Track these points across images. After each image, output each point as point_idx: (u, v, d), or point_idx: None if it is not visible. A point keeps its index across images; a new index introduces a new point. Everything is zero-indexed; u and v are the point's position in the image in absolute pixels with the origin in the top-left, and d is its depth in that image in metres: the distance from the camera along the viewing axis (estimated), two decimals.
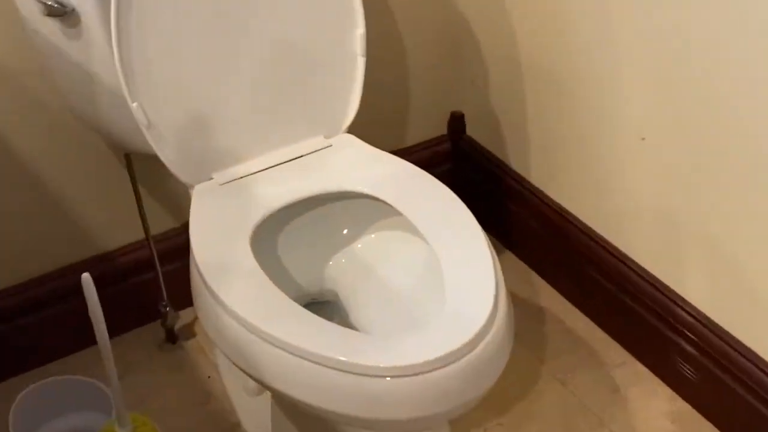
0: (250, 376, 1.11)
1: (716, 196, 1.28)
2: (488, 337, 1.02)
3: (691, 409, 1.41)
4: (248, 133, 1.29)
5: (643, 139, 1.36)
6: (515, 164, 1.67)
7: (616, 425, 1.40)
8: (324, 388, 1.03)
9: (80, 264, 1.50)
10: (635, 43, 1.31)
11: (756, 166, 1.21)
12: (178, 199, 1.53)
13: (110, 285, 1.52)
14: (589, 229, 1.53)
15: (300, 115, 1.32)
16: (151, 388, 1.49)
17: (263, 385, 1.11)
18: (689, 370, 1.40)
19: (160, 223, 1.54)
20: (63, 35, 1.22)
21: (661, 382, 1.46)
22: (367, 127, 1.45)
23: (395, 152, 1.67)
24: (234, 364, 1.13)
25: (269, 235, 1.29)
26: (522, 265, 1.70)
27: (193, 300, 1.19)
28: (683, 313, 1.39)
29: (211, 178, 1.27)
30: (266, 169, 1.28)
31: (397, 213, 1.21)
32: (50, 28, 1.22)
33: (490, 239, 1.15)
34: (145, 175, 1.47)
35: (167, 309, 1.53)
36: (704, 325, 1.36)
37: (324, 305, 1.33)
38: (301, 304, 1.12)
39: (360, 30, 1.29)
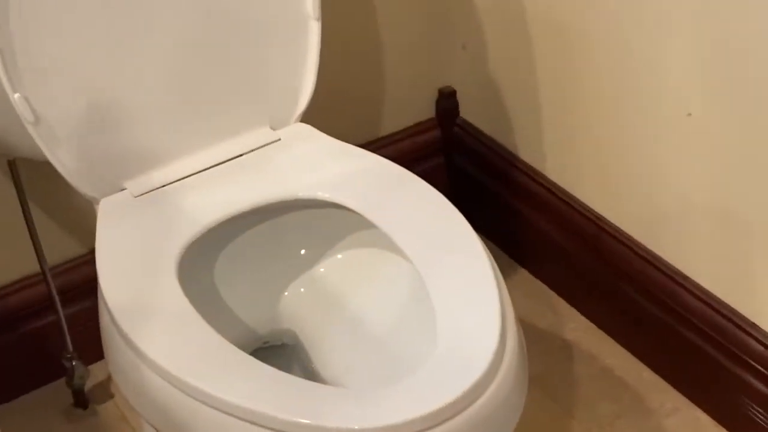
0: None
1: None
2: (493, 386, 1.02)
3: None
4: (169, 128, 1.29)
5: (690, 114, 1.37)
6: (525, 154, 1.68)
7: None
8: None
9: None
10: None
11: None
12: (82, 218, 1.52)
13: None
14: (627, 236, 1.54)
15: (237, 101, 1.32)
16: None
17: None
18: (762, 416, 1.41)
19: (60, 250, 1.54)
20: None
21: None
22: (328, 113, 1.45)
23: (367, 145, 1.70)
24: None
25: (202, 262, 1.28)
26: (540, 286, 1.70)
27: (104, 351, 1.19)
28: (756, 344, 1.40)
29: (123, 189, 1.27)
30: (195, 173, 1.28)
31: (370, 225, 1.22)
32: None
33: (495, 253, 1.16)
34: (37, 188, 1.47)
35: (73, 364, 1.52)
36: None
37: (280, 350, 1.33)
38: (248, 351, 1.12)
39: None
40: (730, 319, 1.42)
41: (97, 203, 1.27)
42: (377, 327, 1.26)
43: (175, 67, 1.28)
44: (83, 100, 1.24)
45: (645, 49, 1.40)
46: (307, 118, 1.36)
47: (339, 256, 1.33)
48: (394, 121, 1.76)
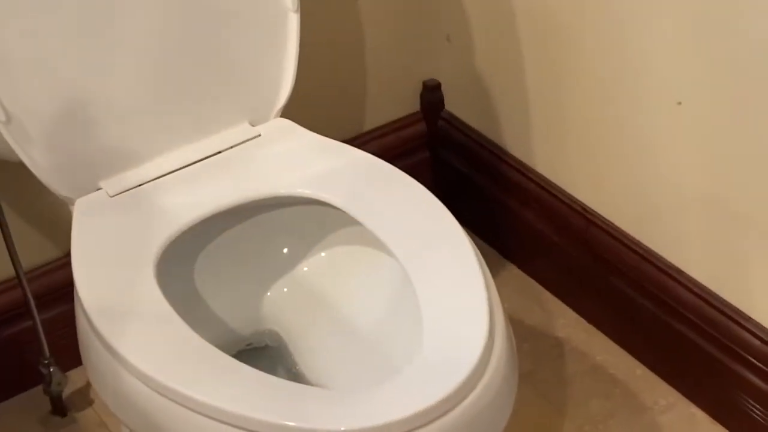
0: None
1: None
2: (481, 385, 1.02)
3: None
4: (146, 126, 1.29)
5: (680, 103, 1.37)
6: (512, 147, 1.68)
7: None
8: None
9: None
10: None
11: None
12: (57, 220, 1.52)
13: None
14: (618, 230, 1.55)
15: (215, 96, 1.32)
16: None
17: None
18: (760, 412, 1.41)
19: (35, 253, 1.54)
20: None
21: (723, 429, 1.47)
22: (310, 108, 1.45)
23: (351, 140, 1.70)
24: None
25: (182, 262, 1.28)
26: (530, 282, 1.71)
27: (82, 356, 1.19)
28: (751, 338, 1.40)
29: (99, 189, 1.27)
30: (173, 171, 1.28)
31: (354, 222, 1.22)
32: None
33: (483, 249, 1.16)
34: (10, 189, 1.47)
35: (51, 370, 1.52)
36: None
37: (263, 352, 1.33)
38: (231, 353, 1.12)
39: None
40: (724, 313, 1.42)
41: (73, 204, 1.26)
42: (362, 326, 1.27)
43: (151, 63, 1.28)
44: (56, 98, 1.24)
45: (633, 39, 1.40)
46: (289, 113, 1.36)
47: (322, 254, 1.33)
48: (378, 115, 1.76)
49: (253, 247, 1.32)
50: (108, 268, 1.19)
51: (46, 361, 1.52)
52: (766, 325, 1.39)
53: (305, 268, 1.33)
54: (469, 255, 1.14)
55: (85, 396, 1.58)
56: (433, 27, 1.71)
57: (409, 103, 1.78)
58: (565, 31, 1.49)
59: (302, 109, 1.39)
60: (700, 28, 1.31)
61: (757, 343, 1.39)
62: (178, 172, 1.29)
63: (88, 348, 1.15)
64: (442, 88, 1.77)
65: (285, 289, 1.33)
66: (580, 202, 1.59)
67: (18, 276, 1.47)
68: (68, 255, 1.22)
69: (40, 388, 1.55)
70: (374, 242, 1.20)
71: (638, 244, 1.52)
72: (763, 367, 1.39)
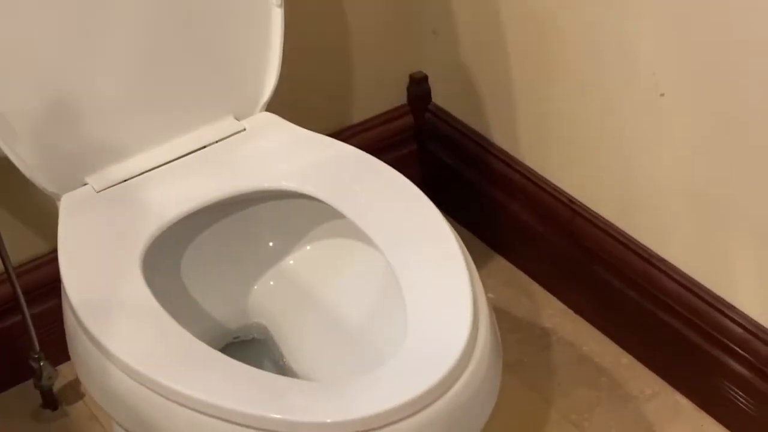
0: None
1: None
2: (465, 375, 1.02)
3: None
4: (131, 121, 1.29)
5: (663, 95, 1.37)
6: (499, 139, 1.68)
7: None
8: None
9: None
10: None
11: None
12: (45, 215, 1.51)
13: None
14: (604, 221, 1.55)
15: (200, 91, 1.32)
16: None
17: None
18: (744, 399, 1.42)
19: (24, 248, 1.53)
20: None
21: (707, 417, 1.47)
22: (296, 102, 1.45)
23: (337, 134, 1.69)
24: None
25: (168, 257, 1.28)
26: (517, 273, 1.71)
27: (69, 351, 1.18)
28: (733, 326, 1.40)
29: (85, 184, 1.27)
30: (159, 166, 1.28)
31: (339, 215, 1.21)
32: None
33: (469, 240, 1.16)
34: None
35: (41, 364, 1.52)
36: (761, 340, 1.38)
37: (249, 345, 1.33)
38: (218, 347, 1.12)
39: None
40: (707, 302, 1.43)
41: (59, 199, 1.26)
42: (348, 319, 1.27)
43: (136, 58, 1.27)
44: (41, 93, 1.23)
45: (616, 31, 1.40)
46: (275, 107, 1.36)
47: (308, 247, 1.33)
48: (364, 109, 1.75)
49: (239, 241, 1.32)
50: (94, 264, 1.18)
51: (36, 356, 1.51)
52: (748, 314, 1.39)
53: (291, 262, 1.33)
54: (454, 247, 1.14)
55: (75, 390, 1.58)
56: (420, 20, 1.71)
57: (396, 96, 1.78)
58: (550, 24, 1.49)
59: (288, 102, 1.38)
60: (683, 20, 1.31)
61: (740, 331, 1.40)
62: (163, 166, 1.28)
63: (76, 343, 1.15)
64: (429, 80, 1.77)
65: (271, 283, 1.33)
66: (566, 193, 1.59)
67: (7, 271, 1.46)
68: (57, 250, 1.21)
69: (30, 382, 1.55)
70: (359, 235, 1.20)
71: (623, 234, 1.52)
72: (746, 355, 1.39)
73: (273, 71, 1.34)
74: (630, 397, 1.51)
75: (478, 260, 1.15)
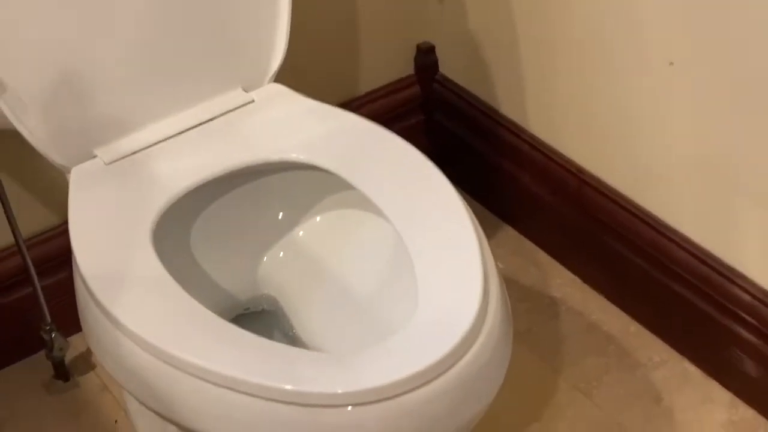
0: (167, 419, 1.11)
1: None
2: (477, 345, 1.01)
3: (757, 416, 1.42)
4: (140, 93, 1.28)
5: (672, 63, 1.36)
6: (508, 109, 1.67)
7: None
8: (266, 428, 1.03)
9: None
10: None
11: None
12: (55, 188, 1.51)
13: None
14: (613, 190, 1.54)
15: (208, 62, 1.31)
16: None
17: (185, 430, 1.10)
18: (752, 366, 1.41)
19: (34, 220, 1.53)
20: None
21: (716, 384, 1.47)
22: (303, 73, 1.44)
23: (344, 104, 1.68)
24: (143, 404, 1.13)
25: (178, 228, 1.28)
26: (526, 243, 1.70)
27: (81, 322, 1.18)
28: (742, 294, 1.40)
29: (94, 157, 1.26)
30: (168, 138, 1.28)
31: (348, 186, 1.21)
32: None
33: (478, 211, 1.16)
34: (8, 158, 1.46)
35: (53, 335, 1.52)
36: None
37: (260, 317, 1.33)
38: (228, 319, 1.11)
39: None
40: (716, 270, 1.42)
41: (69, 172, 1.26)
42: (358, 290, 1.26)
43: (143, 30, 1.27)
44: (49, 67, 1.23)
45: (625, 0, 1.39)
46: (282, 78, 1.35)
47: (317, 218, 1.32)
48: (371, 79, 1.75)
49: (248, 213, 1.31)
50: (105, 236, 1.18)
51: (47, 327, 1.52)
52: (757, 282, 1.39)
53: (300, 233, 1.33)
54: (463, 217, 1.14)
55: (87, 360, 1.58)
56: None
57: (403, 67, 1.77)
58: None
59: (296, 74, 1.37)
60: None
61: (748, 299, 1.39)
62: (172, 138, 1.28)
63: (87, 314, 1.15)
64: (436, 50, 1.76)
65: (281, 254, 1.33)
66: (575, 163, 1.59)
67: (18, 244, 1.46)
68: (67, 222, 1.21)
69: (42, 353, 1.55)
70: (368, 206, 1.19)
71: (632, 203, 1.52)
72: (755, 322, 1.39)
73: (281, 42, 1.33)
74: (638, 364, 1.51)
75: (487, 230, 1.15)
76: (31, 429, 1.50)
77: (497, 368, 1.06)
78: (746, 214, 1.36)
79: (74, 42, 1.23)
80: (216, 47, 1.31)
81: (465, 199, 1.18)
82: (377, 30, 1.71)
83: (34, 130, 1.23)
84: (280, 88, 1.34)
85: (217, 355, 1.04)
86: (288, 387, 1.00)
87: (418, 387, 0.99)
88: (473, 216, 1.15)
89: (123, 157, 1.26)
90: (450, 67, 1.76)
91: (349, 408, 0.99)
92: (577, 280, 1.64)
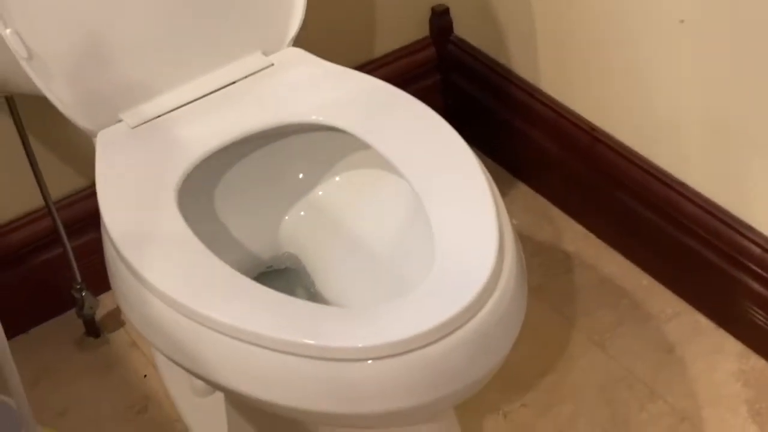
0: (193, 374, 1.12)
1: None
2: (493, 298, 1.02)
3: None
4: (162, 58, 1.28)
5: (682, 21, 1.35)
6: (521, 69, 1.66)
7: (672, 396, 1.41)
8: (288, 382, 1.03)
9: None
10: None
11: None
12: (82, 152, 1.52)
13: (4, 269, 1.52)
14: (624, 147, 1.53)
15: (228, 27, 1.31)
16: (73, 395, 1.50)
17: (211, 384, 1.11)
18: (762, 317, 1.41)
19: (63, 183, 1.54)
20: None
21: (727, 335, 1.47)
22: (320, 36, 1.43)
23: (361, 66, 1.68)
24: (170, 359, 1.14)
25: (202, 189, 1.28)
26: (540, 200, 1.70)
27: (110, 281, 1.19)
28: (752, 246, 1.40)
29: (120, 121, 1.27)
30: (190, 102, 1.28)
31: (366, 146, 1.21)
32: None
33: (493, 169, 1.15)
34: (37, 122, 1.46)
35: (83, 294, 1.53)
36: None
37: (282, 274, 1.33)
38: (252, 276, 1.12)
39: None
40: (726, 223, 1.42)
41: (95, 136, 1.26)
42: (377, 247, 1.26)
43: None
44: (74, 34, 1.23)
45: None
46: (300, 42, 1.35)
47: (337, 178, 1.32)
48: (387, 42, 1.74)
49: (269, 174, 1.31)
50: (132, 197, 1.19)
51: (78, 286, 1.53)
52: (766, 234, 1.38)
53: (320, 192, 1.33)
54: (478, 175, 1.14)
55: (116, 318, 1.60)
56: None
57: (419, 29, 1.76)
58: None
59: (313, 37, 1.37)
60: None
61: (758, 251, 1.39)
62: (195, 102, 1.28)
63: (115, 273, 1.16)
64: (451, 12, 1.75)
65: (302, 213, 1.33)
66: (586, 120, 1.58)
67: (48, 206, 1.48)
68: (94, 184, 1.22)
69: (73, 311, 1.57)
70: (386, 165, 1.19)
71: (643, 159, 1.51)
72: (764, 274, 1.39)
73: (300, 6, 1.33)
74: (651, 317, 1.51)
75: (501, 187, 1.14)
76: (64, 384, 1.52)
77: (513, 321, 1.06)
78: (755, 169, 1.36)
79: (98, 7, 1.23)
80: (236, 12, 1.31)
81: (480, 157, 1.17)
82: None
83: (60, 95, 1.23)
84: (299, 52, 1.33)
85: (239, 311, 1.05)
86: (309, 341, 1.00)
87: (437, 340, 0.99)
88: (488, 173, 1.15)
89: (147, 121, 1.26)
90: (464, 28, 1.75)
91: (370, 362, 0.99)
92: (590, 235, 1.64)
